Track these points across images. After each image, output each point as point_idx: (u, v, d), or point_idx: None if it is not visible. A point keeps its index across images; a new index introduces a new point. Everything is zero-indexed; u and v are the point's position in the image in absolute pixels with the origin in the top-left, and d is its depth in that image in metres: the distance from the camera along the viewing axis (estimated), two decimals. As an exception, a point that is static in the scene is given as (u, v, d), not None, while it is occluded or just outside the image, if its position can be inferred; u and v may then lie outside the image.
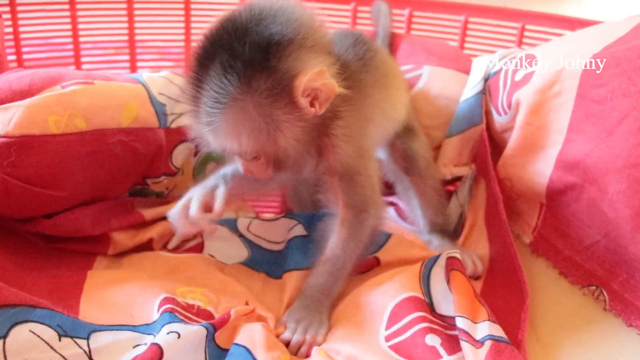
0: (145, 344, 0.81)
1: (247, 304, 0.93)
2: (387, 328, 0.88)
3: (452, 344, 0.84)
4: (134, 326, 0.85)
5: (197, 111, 0.84)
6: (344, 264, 0.96)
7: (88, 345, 0.79)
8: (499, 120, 1.13)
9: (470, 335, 0.81)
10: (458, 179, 1.25)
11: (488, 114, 1.19)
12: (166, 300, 0.88)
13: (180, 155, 1.15)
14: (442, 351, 0.83)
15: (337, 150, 0.93)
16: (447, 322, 0.88)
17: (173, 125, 1.11)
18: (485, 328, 0.82)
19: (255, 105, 0.81)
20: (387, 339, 0.86)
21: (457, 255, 0.96)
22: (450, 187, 1.26)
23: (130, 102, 1.05)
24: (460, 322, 0.83)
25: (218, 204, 0.95)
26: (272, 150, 0.86)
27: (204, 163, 1.21)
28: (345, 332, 0.89)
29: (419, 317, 0.88)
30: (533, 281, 0.96)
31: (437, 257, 0.97)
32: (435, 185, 1.17)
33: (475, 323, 0.83)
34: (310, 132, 0.87)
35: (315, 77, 0.81)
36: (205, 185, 0.98)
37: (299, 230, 1.10)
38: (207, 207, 0.97)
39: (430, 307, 0.91)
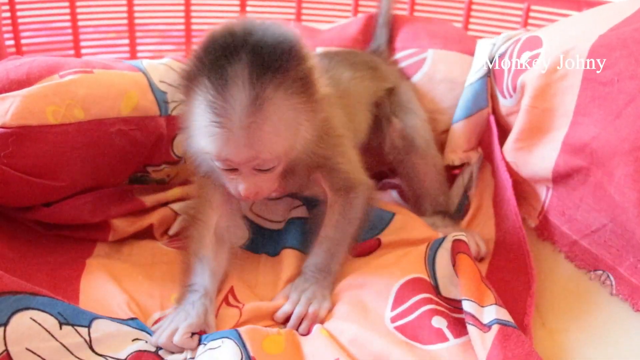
0: (146, 341, 0.81)
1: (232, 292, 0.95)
2: (393, 309, 0.87)
3: (459, 327, 0.84)
4: (131, 319, 0.86)
5: (220, 121, 0.79)
6: (339, 243, 0.97)
7: (89, 334, 0.78)
8: (504, 103, 1.11)
9: (477, 319, 0.81)
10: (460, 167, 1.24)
11: (493, 97, 1.17)
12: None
13: (182, 143, 1.12)
14: (448, 334, 0.83)
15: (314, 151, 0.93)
16: (452, 305, 0.88)
17: (174, 113, 1.10)
18: (492, 312, 0.82)
19: (288, 99, 0.80)
20: (393, 320, 0.86)
21: (464, 238, 0.96)
22: (457, 172, 1.25)
23: (130, 90, 1.04)
24: (467, 306, 0.83)
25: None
26: (293, 153, 0.86)
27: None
28: (350, 312, 0.88)
29: (424, 298, 0.88)
30: (539, 265, 0.95)
31: (443, 239, 0.97)
32: (437, 164, 1.17)
33: (482, 307, 0.83)
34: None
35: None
36: (189, 313, 0.86)
37: (301, 211, 1.10)
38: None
39: (435, 289, 0.91)
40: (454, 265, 0.92)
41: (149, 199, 1.10)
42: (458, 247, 0.94)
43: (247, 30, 0.81)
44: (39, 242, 0.99)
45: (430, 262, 0.94)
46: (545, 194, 1.00)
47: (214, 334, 0.84)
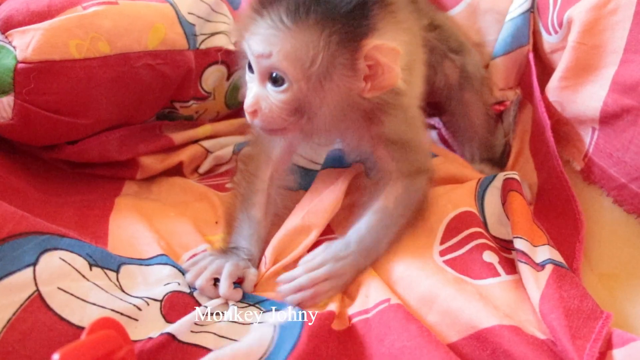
0: (179, 283, 0.79)
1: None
2: (442, 242, 0.86)
3: (509, 265, 0.83)
4: (160, 256, 0.84)
5: (275, 7, 0.79)
6: (393, 221, 0.87)
7: (118, 279, 0.77)
8: (548, 40, 1.07)
9: (529, 257, 0.79)
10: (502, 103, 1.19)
11: (536, 33, 1.13)
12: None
13: (210, 78, 1.12)
14: (499, 269, 0.81)
15: (386, 123, 0.88)
16: (501, 245, 0.87)
17: (202, 47, 1.08)
18: (545, 252, 0.81)
19: (326, 37, 0.77)
20: (442, 253, 0.85)
21: (516, 177, 0.95)
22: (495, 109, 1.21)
23: (157, 22, 1.02)
24: (519, 244, 0.81)
25: (248, 285, 0.84)
26: (309, 90, 0.80)
27: (237, 87, 1.18)
28: (397, 248, 0.86)
29: (475, 232, 0.86)
30: (585, 210, 0.92)
31: (494, 177, 0.96)
32: (489, 102, 1.15)
33: (534, 246, 0.82)
34: (355, 106, 0.83)
35: (386, 50, 0.78)
36: (233, 262, 0.83)
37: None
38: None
39: (485, 225, 0.89)
40: (503, 204, 0.91)
41: (177, 137, 1.09)
42: (510, 185, 0.92)
43: None
44: (65, 181, 0.98)
45: (480, 199, 0.93)
46: (590, 135, 0.96)
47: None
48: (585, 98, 0.94)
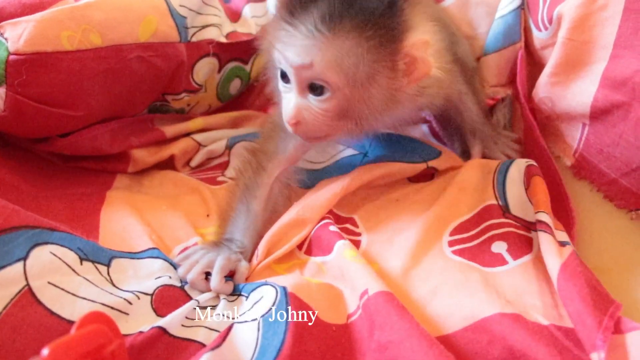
0: (170, 277, 0.79)
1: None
2: (452, 234, 0.87)
3: (519, 249, 0.83)
4: (151, 249, 0.84)
5: (306, 15, 0.78)
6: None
7: (108, 273, 0.76)
8: (538, 36, 1.07)
9: (552, 231, 0.80)
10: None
11: (526, 30, 1.13)
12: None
13: (201, 70, 1.12)
14: (508, 257, 0.82)
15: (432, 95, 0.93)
16: (520, 223, 0.88)
17: (194, 39, 1.08)
18: (565, 237, 0.82)
19: (365, 41, 0.77)
20: (451, 244, 0.85)
21: (535, 164, 0.96)
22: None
23: (148, 15, 1.02)
24: (544, 217, 0.82)
25: (239, 278, 0.84)
26: (352, 95, 0.80)
27: (229, 80, 1.18)
28: (402, 247, 0.86)
29: (488, 225, 0.88)
30: (576, 205, 0.92)
31: (511, 162, 0.97)
32: (480, 93, 1.14)
33: (555, 229, 0.83)
34: (398, 99, 0.84)
35: (419, 45, 0.79)
36: (224, 256, 0.83)
37: (349, 151, 1.07)
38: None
39: (504, 209, 0.90)
40: (527, 189, 0.91)
41: (169, 130, 1.09)
42: (533, 171, 0.93)
43: None
44: (56, 174, 0.98)
45: (500, 186, 0.93)
46: (581, 131, 0.96)
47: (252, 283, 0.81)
48: (575, 94, 0.94)
